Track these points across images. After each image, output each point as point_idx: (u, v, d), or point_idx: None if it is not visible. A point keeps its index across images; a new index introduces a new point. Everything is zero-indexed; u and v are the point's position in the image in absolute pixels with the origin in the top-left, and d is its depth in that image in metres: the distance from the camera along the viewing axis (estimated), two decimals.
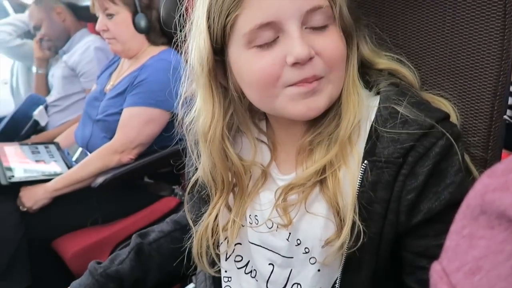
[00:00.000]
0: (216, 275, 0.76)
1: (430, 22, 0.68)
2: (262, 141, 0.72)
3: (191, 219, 0.76)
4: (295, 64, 0.59)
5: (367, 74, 0.69)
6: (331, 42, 0.61)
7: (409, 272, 0.62)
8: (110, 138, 1.56)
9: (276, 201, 0.66)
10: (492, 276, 0.28)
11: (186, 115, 0.73)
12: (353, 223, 0.60)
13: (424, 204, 0.59)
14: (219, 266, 0.75)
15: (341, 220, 0.61)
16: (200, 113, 0.68)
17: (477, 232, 0.31)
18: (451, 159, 0.59)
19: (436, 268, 0.34)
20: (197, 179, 0.74)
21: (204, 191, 0.75)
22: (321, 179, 0.63)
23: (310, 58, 0.59)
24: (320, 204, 0.64)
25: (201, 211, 0.75)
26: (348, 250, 0.60)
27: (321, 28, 0.60)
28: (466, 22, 0.65)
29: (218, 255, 0.75)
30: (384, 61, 0.69)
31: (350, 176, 0.61)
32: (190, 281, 1.04)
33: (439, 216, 0.58)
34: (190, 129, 0.72)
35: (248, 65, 0.62)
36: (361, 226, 0.59)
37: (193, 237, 0.75)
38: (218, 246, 0.74)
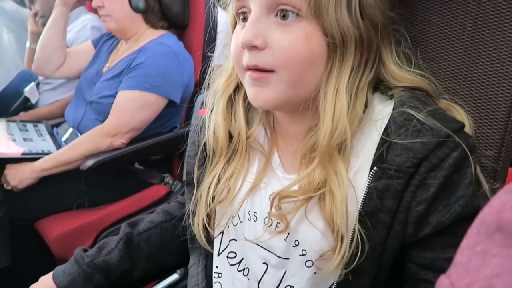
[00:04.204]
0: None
1: (450, 25, 0.66)
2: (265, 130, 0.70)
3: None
4: (248, 48, 0.58)
5: (387, 87, 0.64)
6: (288, 39, 0.57)
7: (412, 284, 0.60)
8: (103, 121, 1.52)
9: (270, 209, 0.63)
10: None
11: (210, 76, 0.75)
12: (353, 237, 0.57)
13: (434, 217, 0.56)
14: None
15: (338, 237, 0.58)
16: (222, 72, 0.71)
17: (491, 249, 0.30)
18: (463, 171, 0.56)
19: (443, 283, 0.32)
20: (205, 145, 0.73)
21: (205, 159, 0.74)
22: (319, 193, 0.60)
23: (256, 47, 0.58)
24: (318, 215, 0.61)
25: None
26: (347, 265, 0.58)
27: (288, 22, 0.57)
28: (488, 27, 0.62)
29: (211, 234, 0.73)
30: (410, 77, 0.63)
31: (346, 193, 0.58)
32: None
33: (448, 229, 0.56)
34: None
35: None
36: (360, 242, 0.56)
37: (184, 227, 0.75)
38: (213, 220, 0.72)
